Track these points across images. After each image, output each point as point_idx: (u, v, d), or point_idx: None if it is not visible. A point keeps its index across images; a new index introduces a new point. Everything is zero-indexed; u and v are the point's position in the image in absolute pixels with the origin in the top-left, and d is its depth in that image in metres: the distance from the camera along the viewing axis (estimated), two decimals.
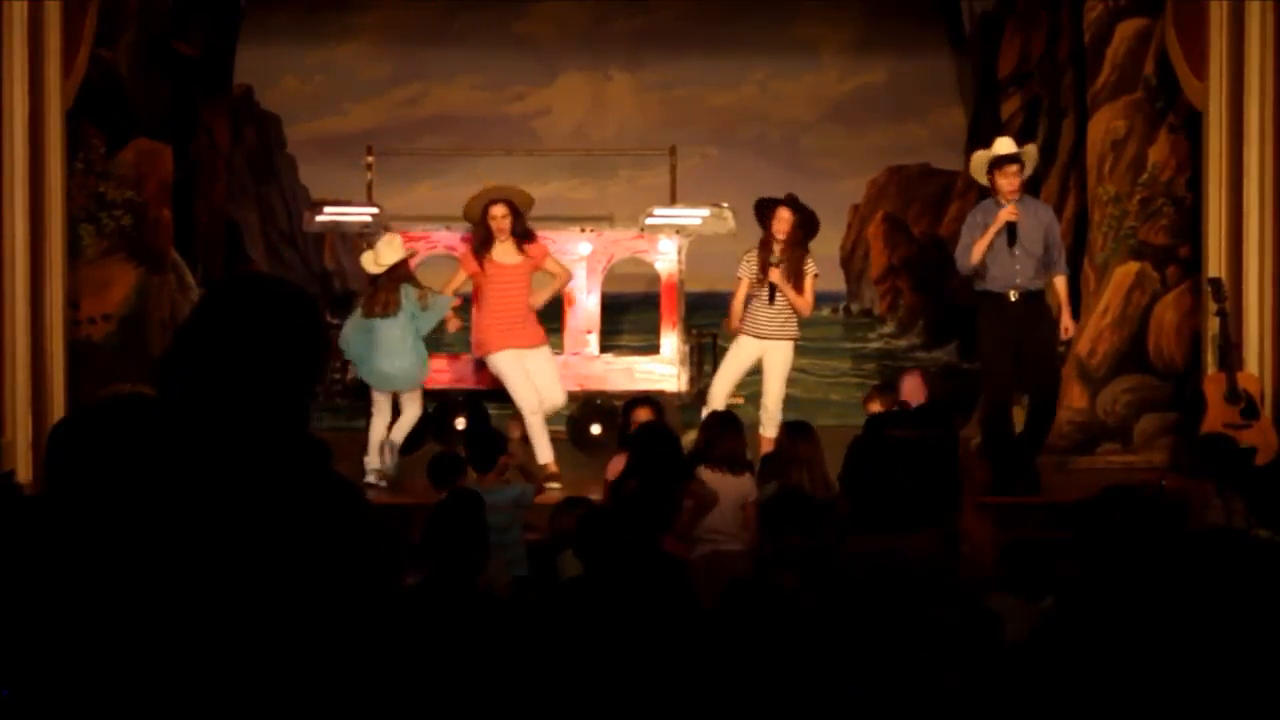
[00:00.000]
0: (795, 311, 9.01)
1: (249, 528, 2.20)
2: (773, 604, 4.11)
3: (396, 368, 8.93)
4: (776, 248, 8.96)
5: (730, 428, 7.05)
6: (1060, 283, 8.66)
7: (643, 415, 7.47)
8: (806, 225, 9.04)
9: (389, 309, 8.87)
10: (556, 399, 9.18)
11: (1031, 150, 8.75)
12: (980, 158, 8.63)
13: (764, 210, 9.06)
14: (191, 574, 2.17)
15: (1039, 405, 8.65)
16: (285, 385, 2.29)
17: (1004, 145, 8.59)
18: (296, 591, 2.19)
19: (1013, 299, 8.44)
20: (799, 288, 8.95)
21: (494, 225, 9.03)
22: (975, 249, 8.43)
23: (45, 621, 2.22)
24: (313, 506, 2.25)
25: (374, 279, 9.01)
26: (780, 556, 4.76)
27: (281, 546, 2.20)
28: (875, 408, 8.71)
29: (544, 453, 8.88)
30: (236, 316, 2.30)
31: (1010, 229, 8.37)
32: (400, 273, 8.95)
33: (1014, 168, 8.42)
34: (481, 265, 9.08)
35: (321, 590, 2.21)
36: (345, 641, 2.21)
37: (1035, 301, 8.52)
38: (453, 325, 9.27)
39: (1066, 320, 8.67)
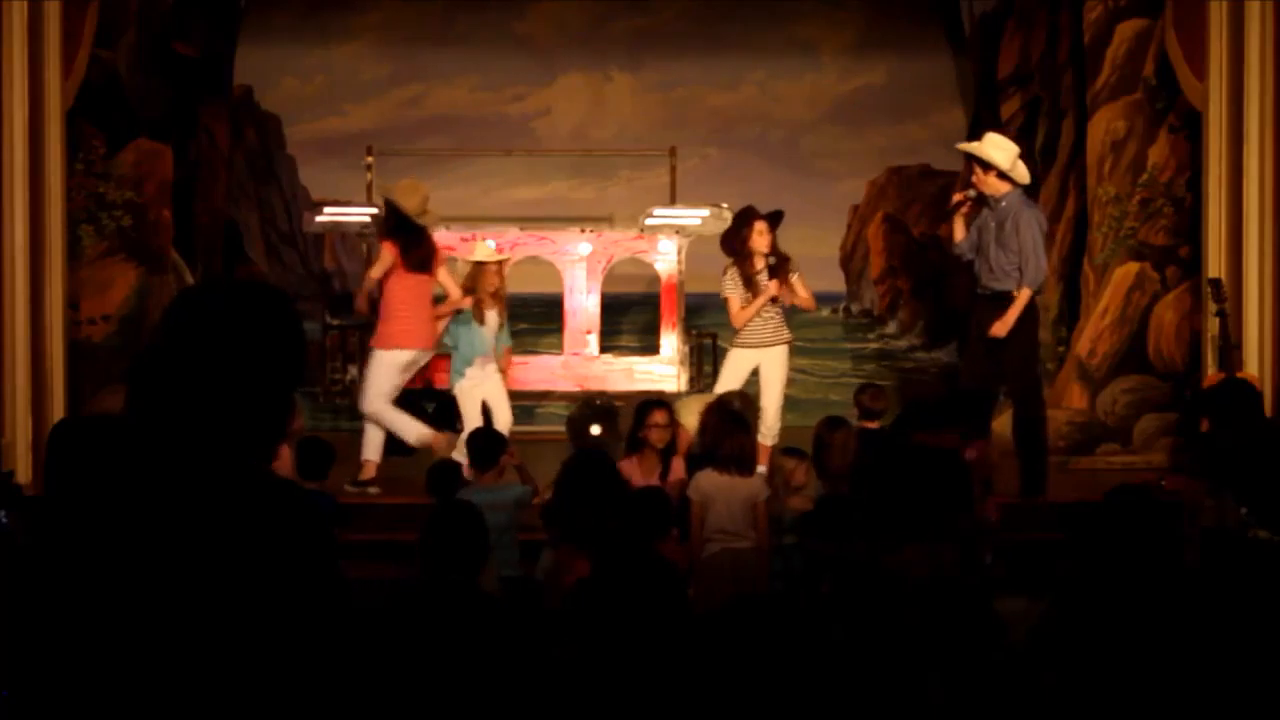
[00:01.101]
0: (804, 308, 9.05)
1: (200, 535, 2.19)
2: (799, 610, 4.11)
3: None
4: (759, 261, 8.90)
5: (737, 427, 7.03)
6: (1020, 294, 8.27)
7: (659, 418, 7.30)
8: (777, 222, 9.03)
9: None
10: None
11: (979, 149, 8.48)
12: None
13: (739, 234, 8.95)
14: (153, 583, 2.17)
15: (1018, 411, 8.51)
16: (257, 388, 2.28)
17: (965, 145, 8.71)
18: (263, 595, 2.19)
19: (986, 299, 8.42)
20: (789, 285, 8.97)
21: None
22: (953, 230, 8.66)
23: (43, 622, 2.22)
24: (264, 515, 2.24)
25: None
26: (813, 564, 4.74)
27: (240, 554, 2.20)
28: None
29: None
30: (204, 320, 2.29)
31: (974, 207, 8.51)
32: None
33: (975, 163, 8.47)
34: None
35: (291, 592, 2.20)
36: (324, 640, 2.21)
37: (1002, 305, 8.32)
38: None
39: (999, 322, 8.22)
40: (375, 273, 8.82)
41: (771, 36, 12.83)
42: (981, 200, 8.50)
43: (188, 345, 2.25)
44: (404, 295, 8.80)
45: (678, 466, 7.34)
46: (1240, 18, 9.24)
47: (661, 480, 7.18)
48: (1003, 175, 8.38)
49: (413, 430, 8.80)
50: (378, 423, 8.81)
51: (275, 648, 2.17)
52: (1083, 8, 10.38)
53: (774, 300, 8.87)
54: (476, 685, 3.95)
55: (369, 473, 8.77)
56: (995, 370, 8.42)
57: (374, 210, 10.18)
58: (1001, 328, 8.24)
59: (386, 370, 8.82)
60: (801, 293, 9.00)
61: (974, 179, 8.49)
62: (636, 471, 7.20)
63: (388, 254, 8.78)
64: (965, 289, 9.04)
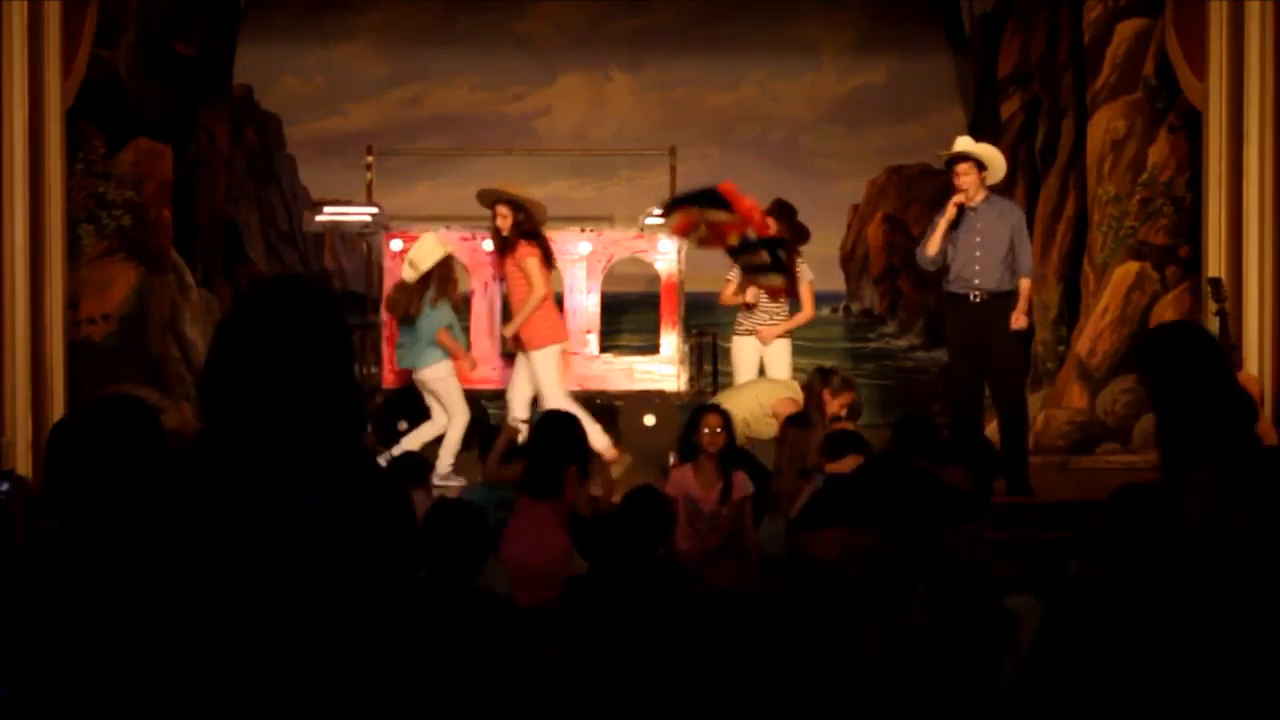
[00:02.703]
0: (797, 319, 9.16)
1: (225, 531, 2.20)
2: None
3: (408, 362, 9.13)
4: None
5: (731, 426, 7.05)
6: (1024, 285, 8.36)
7: (712, 422, 6.83)
8: (792, 232, 9.11)
9: (410, 311, 8.96)
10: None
11: (984, 151, 8.48)
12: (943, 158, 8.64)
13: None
14: (171, 578, 2.17)
15: (1003, 411, 8.42)
16: (331, 381, 2.29)
17: (956, 144, 8.58)
18: (276, 591, 2.19)
19: (973, 300, 8.31)
20: (793, 293, 9.02)
21: (497, 224, 9.15)
22: (930, 239, 8.43)
23: (49, 623, 2.22)
24: (290, 510, 2.24)
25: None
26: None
27: (255, 549, 2.20)
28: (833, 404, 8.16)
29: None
30: (267, 324, 2.29)
31: (958, 217, 8.34)
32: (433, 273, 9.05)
33: (962, 166, 8.36)
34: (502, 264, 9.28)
35: (301, 588, 2.21)
36: (326, 639, 2.21)
37: (999, 304, 8.29)
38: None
39: (1017, 313, 8.29)
40: (535, 286, 8.91)
41: (771, 36, 12.82)
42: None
43: (254, 347, 2.26)
44: (549, 291, 9.11)
45: (741, 482, 6.77)
46: (1240, 18, 9.24)
47: (724, 498, 6.68)
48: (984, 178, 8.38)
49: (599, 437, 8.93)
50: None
51: (289, 638, 2.17)
52: (1083, 7, 10.38)
53: (779, 297, 9.01)
54: (476, 685, 3.95)
55: (614, 454, 9.00)
56: (982, 371, 8.35)
57: (374, 210, 10.18)
58: (1021, 318, 8.32)
59: (557, 364, 9.07)
60: (804, 305, 9.14)
61: (967, 182, 8.38)
62: (692, 480, 6.73)
63: (534, 257, 8.96)
64: None
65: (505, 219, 9.04)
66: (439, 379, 9.07)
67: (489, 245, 9.85)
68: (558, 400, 8.79)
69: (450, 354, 9.07)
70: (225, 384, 2.26)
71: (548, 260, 9.10)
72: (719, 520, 6.64)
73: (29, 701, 2.19)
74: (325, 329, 2.31)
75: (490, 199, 9.18)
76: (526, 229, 9.02)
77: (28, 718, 2.20)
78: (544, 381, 8.97)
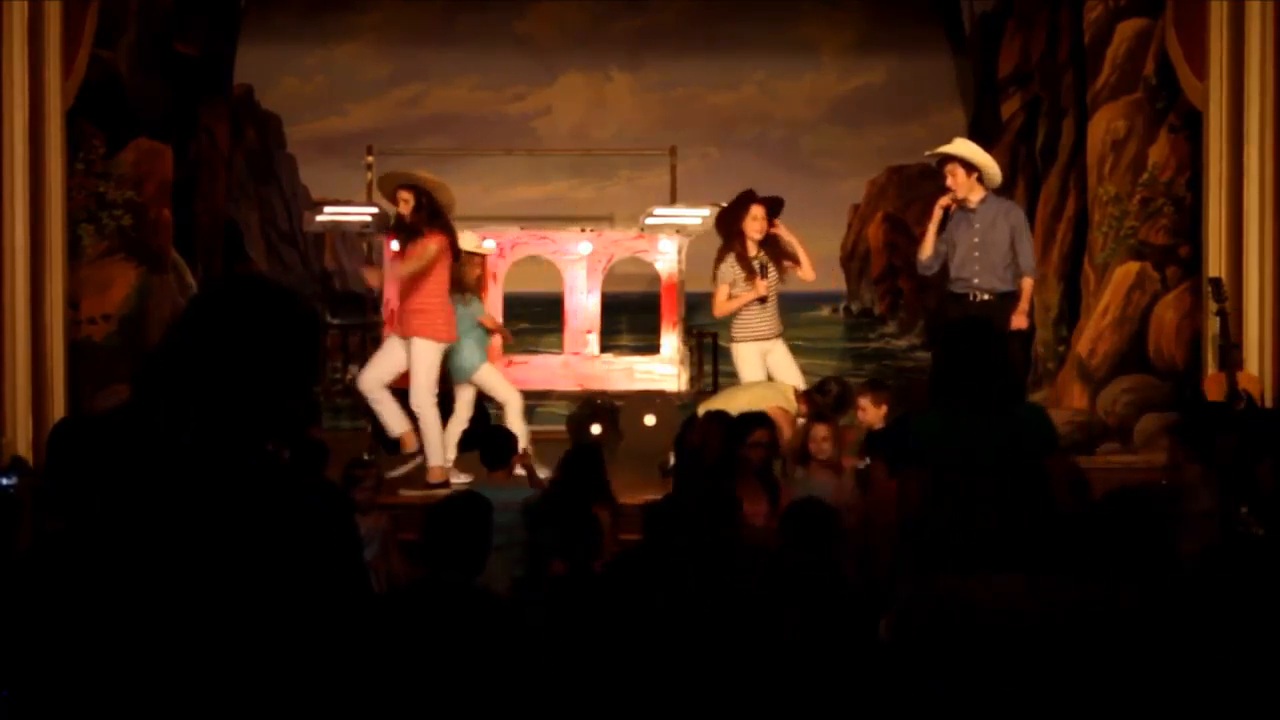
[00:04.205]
0: (804, 279, 8.95)
1: (229, 530, 2.20)
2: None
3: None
4: (752, 246, 8.74)
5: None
6: (1025, 284, 8.30)
7: (762, 436, 6.50)
8: (776, 210, 8.94)
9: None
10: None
11: (964, 151, 8.44)
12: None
13: (734, 215, 8.82)
14: (175, 576, 2.17)
15: None
16: (270, 386, 2.29)
17: (942, 147, 8.59)
18: (280, 590, 2.19)
19: (972, 300, 8.29)
20: (797, 261, 8.87)
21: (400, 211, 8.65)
22: (923, 244, 8.47)
23: (44, 622, 2.22)
24: (293, 509, 2.24)
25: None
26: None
27: (262, 548, 2.20)
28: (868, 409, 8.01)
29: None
30: (224, 320, 2.29)
31: (944, 218, 8.35)
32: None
33: (948, 167, 8.37)
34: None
35: (305, 589, 2.20)
36: (328, 640, 2.21)
37: (998, 304, 8.23)
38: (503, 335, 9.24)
39: (1017, 314, 8.20)
40: (416, 265, 8.34)
41: (771, 36, 12.83)
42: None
43: (202, 341, 2.26)
44: (446, 287, 8.48)
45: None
46: (1240, 18, 9.24)
47: (773, 507, 6.24)
48: (979, 178, 8.38)
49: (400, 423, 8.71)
50: (380, 406, 8.61)
51: (290, 640, 2.17)
52: (1083, 7, 10.38)
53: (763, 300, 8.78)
54: (475, 685, 3.95)
55: (412, 444, 8.62)
56: None
57: (374, 210, 10.18)
58: (1022, 319, 8.27)
59: (435, 362, 8.49)
60: (804, 263, 8.89)
61: (953, 183, 8.39)
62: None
63: (437, 244, 8.37)
64: None
65: (406, 204, 8.44)
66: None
67: (491, 245, 9.85)
68: (425, 398, 8.42)
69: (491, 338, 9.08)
70: (160, 379, 2.27)
71: (453, 251, 8.48)
72: (768, 537, 6.39)
73: (29, 702, 2.19)
74: (263, 331, 2.30)
75: (390, 185, 8.66)
76: (432, 210, 8.43)
77: (28, 718, 2.20)
78: (418, 371, 8.41)
